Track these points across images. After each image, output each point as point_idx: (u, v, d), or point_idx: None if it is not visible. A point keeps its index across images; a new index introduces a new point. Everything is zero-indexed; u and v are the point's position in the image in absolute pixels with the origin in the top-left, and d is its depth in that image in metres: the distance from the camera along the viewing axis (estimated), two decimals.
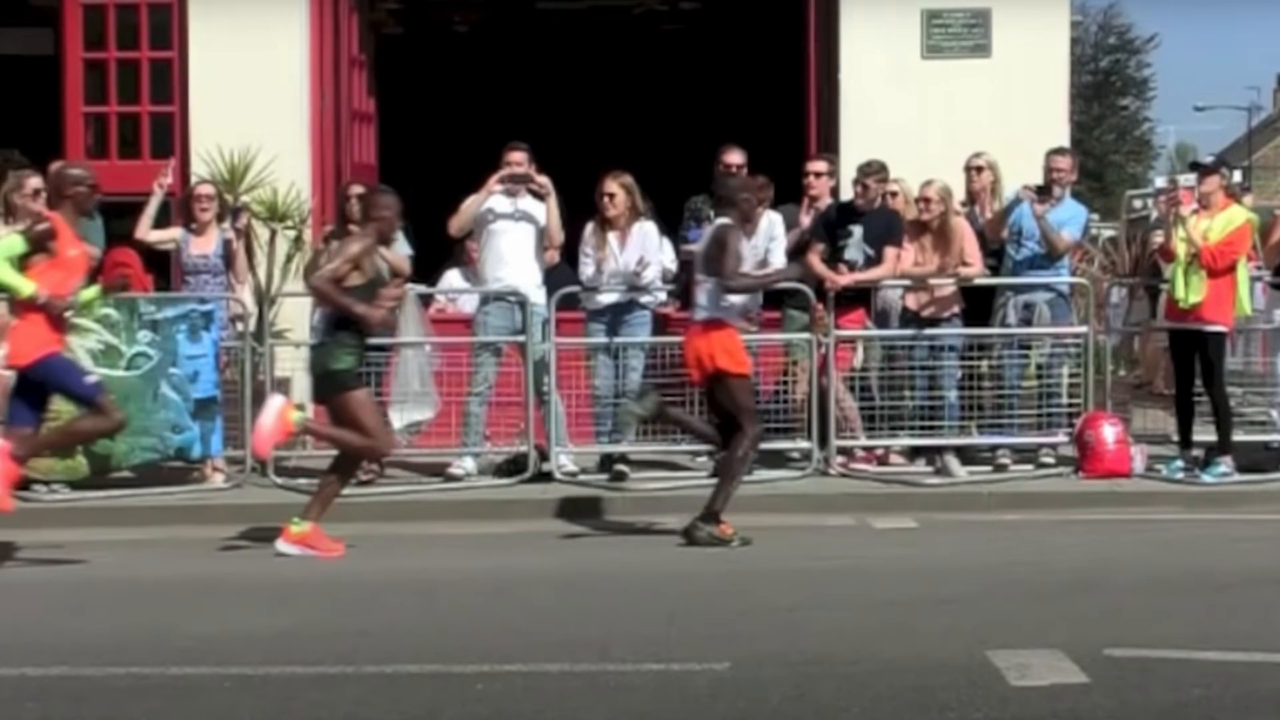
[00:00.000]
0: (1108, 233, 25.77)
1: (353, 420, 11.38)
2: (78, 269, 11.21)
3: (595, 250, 13.84)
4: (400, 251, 14.10)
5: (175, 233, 14.18)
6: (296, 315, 14.39)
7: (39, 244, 11.00)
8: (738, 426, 11.70)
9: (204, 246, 14.00)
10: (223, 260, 14.04)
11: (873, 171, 13.98)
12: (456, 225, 14.05)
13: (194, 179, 14.94)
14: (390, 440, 12.07)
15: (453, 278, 15.43)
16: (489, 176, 13.90)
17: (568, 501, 13.16)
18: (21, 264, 10.99)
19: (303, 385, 14.53)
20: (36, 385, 11.11)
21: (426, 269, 15.57)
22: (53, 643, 8.55)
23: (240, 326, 14.09)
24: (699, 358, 11.68)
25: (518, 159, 13.90)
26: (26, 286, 10.97)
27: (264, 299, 14.44)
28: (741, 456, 11.74)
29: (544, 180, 13.82)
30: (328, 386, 11.41)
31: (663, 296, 14.44)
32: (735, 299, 11.82)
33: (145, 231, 14.12)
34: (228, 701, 7.39)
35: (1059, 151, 14.40)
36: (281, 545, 11.35)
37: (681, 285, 12.91)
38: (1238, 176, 19.54)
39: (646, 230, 13.99)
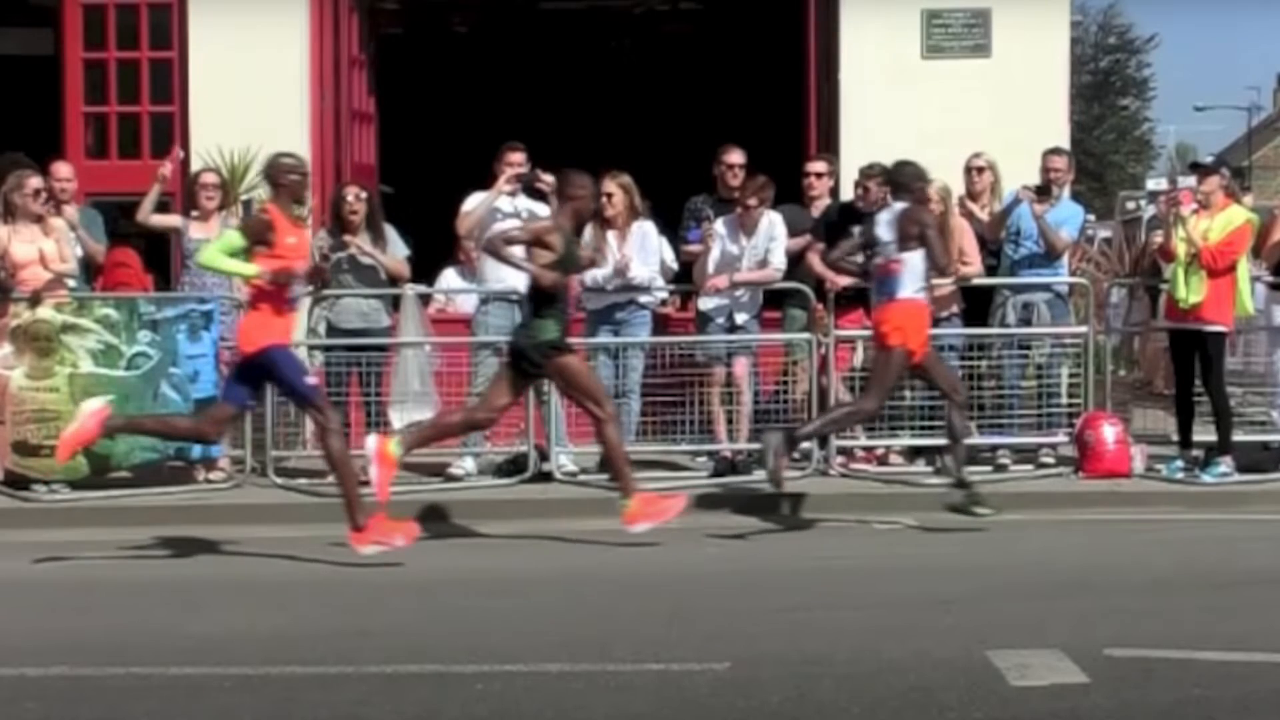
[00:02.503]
0: (1103, 233, 25.82)
1: (575, 383, 11.73)
2: (297, 256, 11.21)
3: (595, 251, 13.84)
4: (398, 253, 14.11)
5: (176, 219, 14.17)
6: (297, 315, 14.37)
7: (258, 236, 11.06)
8: (865, 393, 12.29)
9: (206, 232, 13.96)
10: None
11: (874, 174, 13.98)
12: (467, 226, 14.04)
13: (180, 153, 14.91)
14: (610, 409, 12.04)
15: (450, 277, 15.43)
16: (494, 177, 13.91)
17: (568, 501, 13.15)
18: (242, 257, 11.13)
19: None
20: (255, 372, 11.16)
21: (426, 269, 15.58)
22: (53, 643, 8.55)
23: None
24: (890, 331, 12.02)
25: (520, 159, 13.92)
26: (249, 268, 11.06)
27: None
28: (840, 418, 12.47)
29: (549, 178, 13.83)
30: (542, 353, 11.57)
31: (663, 296, 14.46)
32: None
33: (146, 215, 14.11)
34: (228, 701, 7.39)
35: (1055, 151, 14.41)
36: (628, 529, 11.45)
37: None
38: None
39: (645, 230, 14.01)
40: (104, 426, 11.23)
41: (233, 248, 11.12)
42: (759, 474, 13.32)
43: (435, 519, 12.65)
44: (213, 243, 11.49)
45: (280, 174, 11.43)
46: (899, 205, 12.31)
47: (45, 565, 11.30)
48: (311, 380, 11.34)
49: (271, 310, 11.05)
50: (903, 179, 12.46)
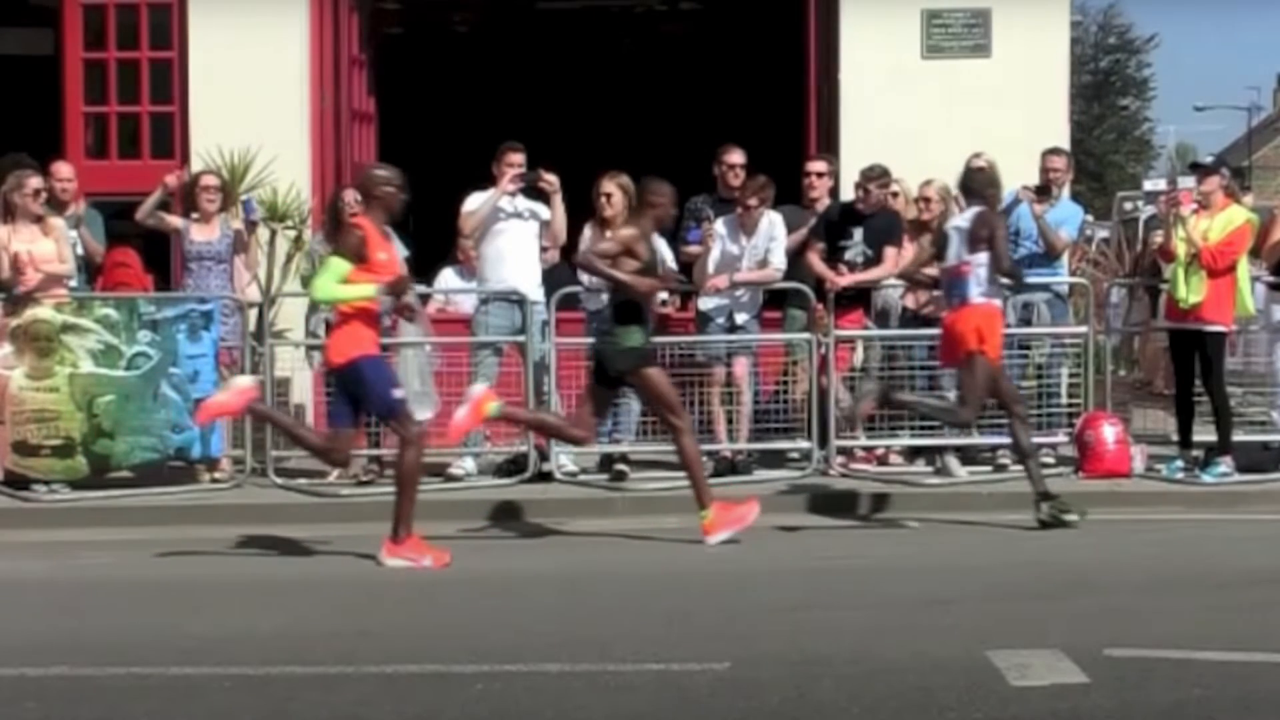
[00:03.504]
0: (1101, 233, 25.84)
1: (655, 393, 11.78)
2: (389, 271, 11.15)
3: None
4: (396, 254, 14.08)
5: (176, 221, 14.17)
6: (296, 315, 14.40)
7: (358, 254, 10.96)
8: (962, 401, 12.31)
9: (207, 234, 13.98)
10: (228, 249, 14.01)
11: (875, 176, 13.98)
12: (470, 226, 14.03)
13: (189, 171, 14.92)
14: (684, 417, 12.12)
15: (448, 277, 15.42)
16: (494, 177, 13.91)
17: (568, 501, 13.16)
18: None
19: (302, 384, 14.62)
20: (348, 385, 11.14)
21: (426, 268, 15.58)
22: (53, 643, 8.55)
23: (252, 316, 14.03)
24: (965, 334, 12.07)
25: (520, 160, 13.92)
26: (367, 289, 11.03)
27: (264, 299, 14.44)
28: (936, 409, 12.56)
29: (552, 178, 13.85)
30: (626, 361, 11.65)
31: (663, 296, 14.44)
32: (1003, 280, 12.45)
33: (146, 215, 14.09)
34: (228, 701, 7.39)
35: (1054, 151, 14.41)
36: (708, 540, 11.48)
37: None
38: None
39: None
40: (248, 407, 11.27)
41: (343, 274, 10.96)
42: (759, 474, 13.33)
43: (435, 519, 12.63)
44: (322, 276, 11.17)
45: (375, 186, 11.26)
46: (972, 210, 12.42)
47: (47, 565, 11.30)
48: (399, 393, 11.20)
49: (361, 323, 11.01)
50: (975, 185, 12.61)
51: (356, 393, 11.12)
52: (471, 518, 12.65)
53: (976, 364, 12.12)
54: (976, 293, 12.19)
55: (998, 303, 12.37)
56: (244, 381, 11.68)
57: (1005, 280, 12.54)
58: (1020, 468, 13.55)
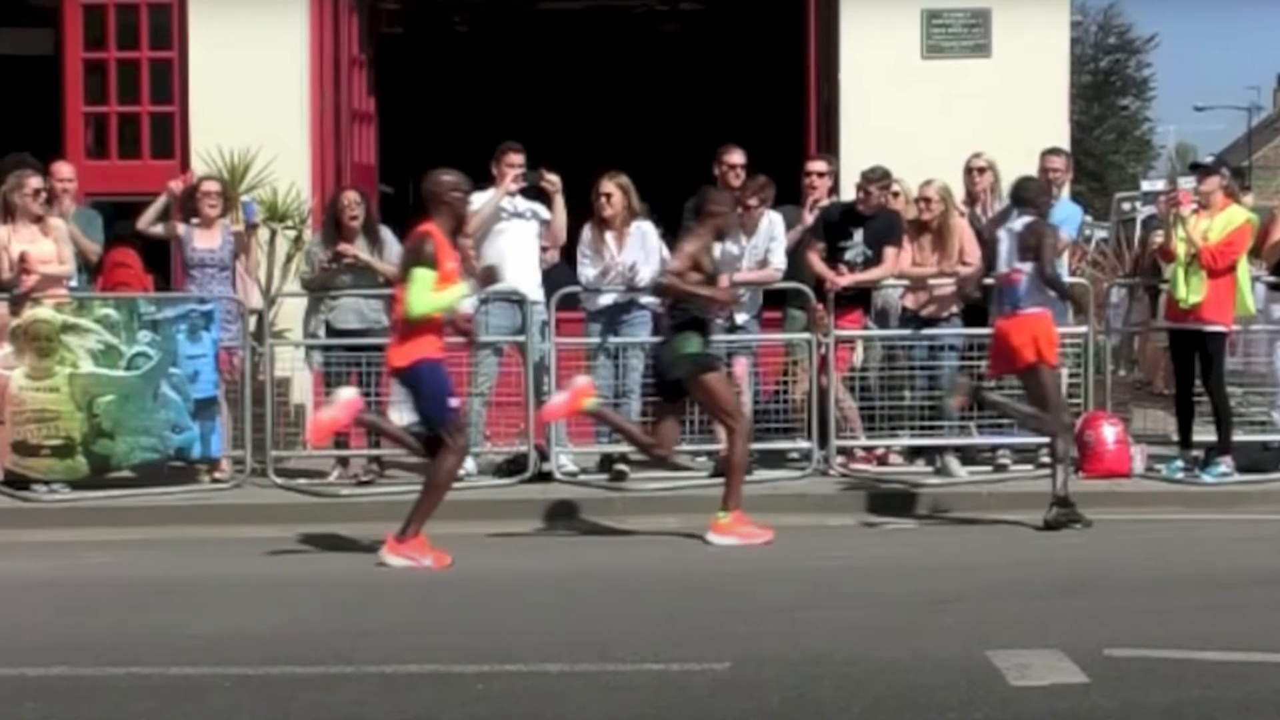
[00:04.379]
0: (1099, 234, 25.85)
1: (713, 399, 11.79)
2: (454, 278, 11.13)
3: (593, 251, 13.86)
4: (394, 256, 14.07)
5: (177, 228, 14.15)
6: (296, 315, 14.40)
7: (434, 262, 10.89)
8: (1044, 409, 12.28)
9: (209, 241, 13.97)
10: (230, 255, 14.01)
11: (876, 178, 13.98)
12: (474, 225, 14.01)
13: (195, 175, 14.92)
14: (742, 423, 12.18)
15: None
16: (493, 177, 13.91)
17: (568, 501, 13.16)
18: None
19: (302, 384, 14.62)
20: (410, 387, 11.15)
21: None
22: (53, 643, 8.55)
23: (253, 321, 14.03)
24: (1022, 346, 12.10)
25: (520, 160, 13.92)
26: (460, 289, 11.13)
27: (264, 299, 14.43)
28: (1027, 415, 12.50)
29: (554, 178, 13.85)
30: (683, 368, 11.69)
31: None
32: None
33: (148, 224, 14.08)
34: (228, 701, 7.39)
35: (1053, 152, 14.40)
36: (712, 538, 11.52)
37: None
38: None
39: (644, 230, 14.01)
40: (356, 418, 11.26)
41: (432, 283, 10.87)
42: (759, 474, 13.32)
43: (435, 519, 12.63)
44: (413, 291, 10.89)
45: (444, 192, 11.15)
46: (1023, 219, 12.47)
47: (45, 565, 11.30)
48: (454, 402, 11.16)
49: (425, 327, 10.98)
50: (1027, 194, 12.70)
51: (414, 395, 11.12)
52: (471, 518, 12.64)
53: (1041, 374, 12.22)
54: (1028, 301, 12.24)
55: (1049, 309, 12.39)
56: (348, 394, 11.63)
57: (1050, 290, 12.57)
58: (1026, 467, 13.61)
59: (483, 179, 14.04)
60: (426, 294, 10.86)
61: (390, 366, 11.32)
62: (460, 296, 11.22)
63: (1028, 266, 12.31)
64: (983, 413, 13.95)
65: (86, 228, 14.21)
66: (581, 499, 13.24)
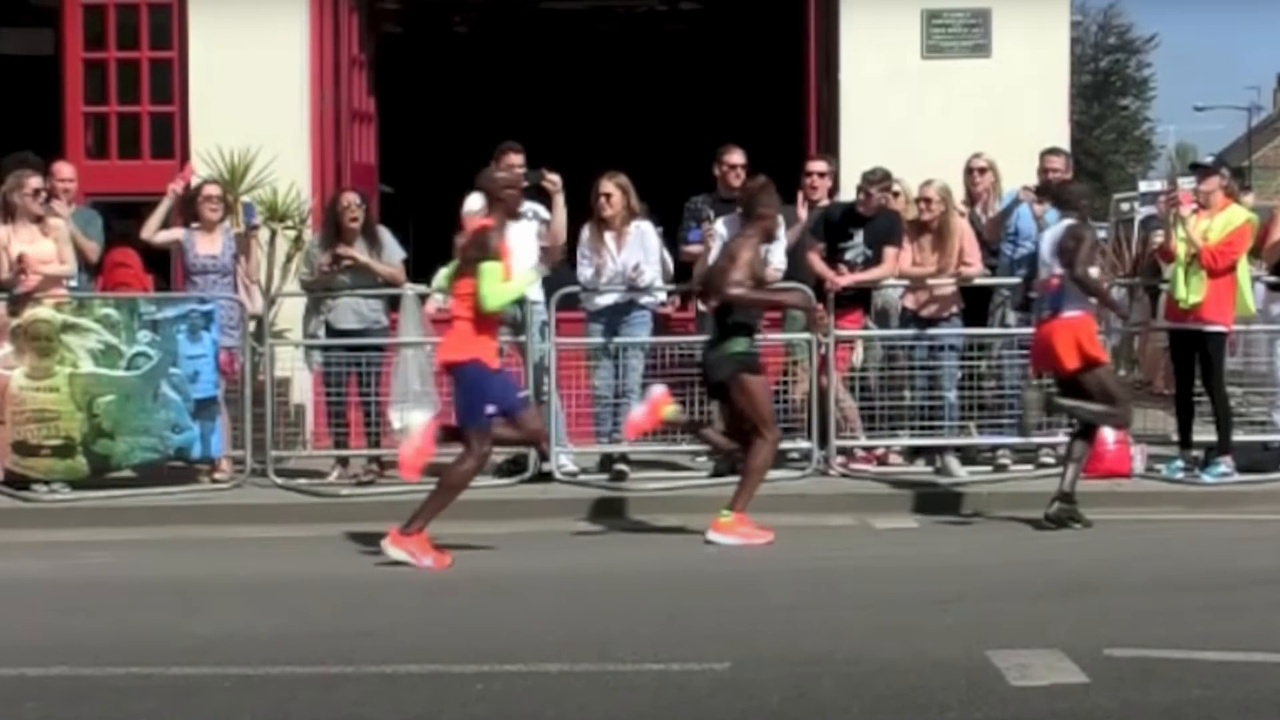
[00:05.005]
0: (1098, 234, 25.84)
1: (750, 403, 11.75)
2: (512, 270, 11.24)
3: (593, 251, 13.86)
4: (394, 257, 14.09)
5: (178, 233, 14.14)
6: (296, 315, 14.39)
7: (498, 255, 10.98)
8: (1111, 403, 12.25)
9: (211, 247, 13.96)
10: (231, 259, 14.01)
11: (876, 180, 13.97)
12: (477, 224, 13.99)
13: (194, 180, 14.92)
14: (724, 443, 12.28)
15: (445, 276, 15.43)
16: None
17: (568, 501, 13.16)
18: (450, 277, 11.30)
19: (302, 385, 14.62)
20: (454, 382, 11.19)
21: (425, 268, 15.58)
22: (53, 643, 8.55)
23: (253, 323, 14.03)
24: (1065, 353, 12.09)
25: (520, 160, 13.91)
26: (524, 279, 11.39)
27: (264, 299, 14.43)
28: (1098, 413, 12.29)
29: (555, 178, 13.84)
30: (728, 368, 11.74)
31: (662, 297, 14.44)
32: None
33: (153, 233, 14.07)
34: (228, 701, 7.39)
35: (1053, 152, 14.40)
36: (712, 535, 11.51)
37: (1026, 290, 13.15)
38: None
39: (644, 230, 14.01)
40: (435, 438, 11.21)
41: (501, 275, 10.96)
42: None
43: (436, 519, 12.63)
44: (485, 285, 10.92)
45: (498, 189, 11.26)
46: (1063, 223, 12.47)
47: (45, 565, 11.30)
48: (491, 409, 11.17)
49: (475, 328, 10.99)
50: (1068, 197, 12.73)
51: (455, 390, 11.16)
52: (472, 518, 12.62)
53: (1096, 374, 12.21)
54: (1069, 304, 12.21)
55: (1089, 311, 12.36)
56: (420, 418, 11.74)
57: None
58: (1026, 467, 13.62)
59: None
60: (498, 285, 10.94)
61: (441, 359, 11.33)
62: (529, 283, 11.53)
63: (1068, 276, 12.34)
64: (983, 413, 13.98)
65: (86, 228, 14.21)
66: (581, 499, 13.23)
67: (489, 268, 10.89)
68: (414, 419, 12.68)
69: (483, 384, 11.03)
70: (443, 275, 11.90)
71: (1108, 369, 12.50)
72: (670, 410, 11.91)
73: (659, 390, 12.08)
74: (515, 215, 11.50)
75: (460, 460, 11.18)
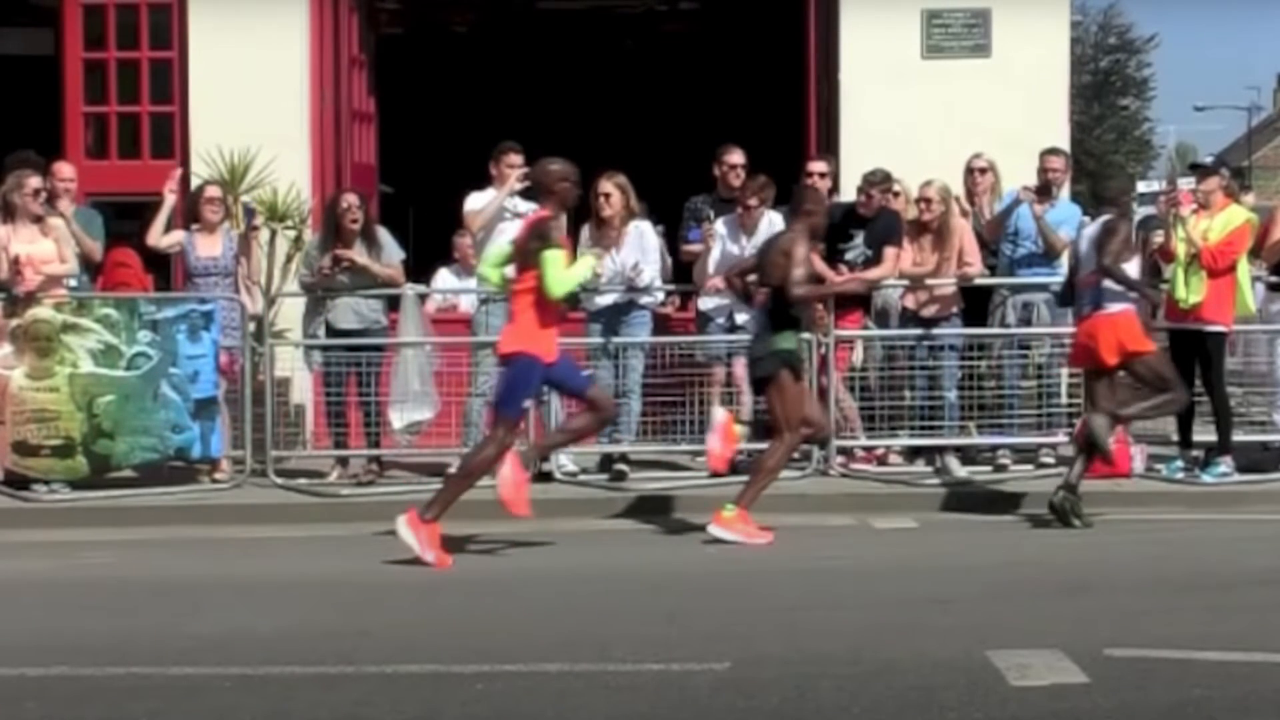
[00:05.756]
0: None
1: (784, 402, 11.78)
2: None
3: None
4: (393, 257, 14.08)
5: (179, 235, 14.14)
6: (296, 315, 14.39)
7: (559, 244, 11.12)
8: (1163, 390, 12.44)
9: (212, 248, 13.96)
10: (233, 260, 14.01)
11: (877, 181, 13.98)
12: (479, 224, 14.00)
13: (194, 180, 14.92)
14: (821, 424, 12.38)
15: (444, 277, 15.46)
16: (495, 177, 13.91)
17: (568, 501, 13.16)
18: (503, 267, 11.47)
19: (302, 385, 14.62)
20: (562, 369, 11.25)
21: (425, 267, 15.59)
22: (53, 643, 8.55)
23: (252, 326, 14.03)
24: (1108, 351, 12.22)
25: (520, 160, 13.92)
26: (585, 265, 11.56)
27: (264, 300, 14.43)
28: (1160, 404, 12.58)
29: None
30: (772, 364, 11.76)
31: (661, 297, 14.45)
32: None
33: (157, 238, 14.08)
34: (228, 701, 7.39)
35: (1052, 152, 14.40)
36: (712, 528, 11.54)
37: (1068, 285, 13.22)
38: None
39: (643, 230, 14.02)
40: (523, 462, 11.19)
41: (563, 262, 11.05)
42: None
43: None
44: (550, 272, 10.96)
45: (553, 181, 11.30)
46: (1102, 218, 12.51)
47: (45, 565, 11.30)
48: (527, 404, 11.34)
49: (537, 321, 11.03)
50: (1109, 193, 13.02)
51: (501, 376, 11.25)
52: (472, 518, 12.62)
53: (1146, 363, 12.32)
54: (1110, 300, 12.26)
55: (1131, 306, 12.40)
56: (719, 416, 11.95)
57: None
58: (1026, 467, 13.63)
59: (483, 179, 14.06)
60: (562, 272, 11.02)
61: (500, 351, 11.35)
62: (589, 269, 11.67)
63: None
64: (983, 413, 13.98)
65: (87, 227, 14.22)
66: (581, 499, 13.24)
67: (552, 255, 10.96)
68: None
69: (530, 379, 11.09)
70: (488, 263, 11.97)
71: (1157, 355, 12.56)
72: (741, 429, 12.10)
73: (721, 415, 12.11)
74: (568, 207, 11.56)
75: (482, 446, 11.28)
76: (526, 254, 11.12)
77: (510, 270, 11.53)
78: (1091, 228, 12.64)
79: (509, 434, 11.24)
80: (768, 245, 12.29)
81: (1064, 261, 14.71)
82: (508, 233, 13.91)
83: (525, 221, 11.38)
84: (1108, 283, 12.25)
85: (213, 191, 14.21)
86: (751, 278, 12.32)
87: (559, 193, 11.25)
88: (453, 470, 11.91)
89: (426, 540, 10.87)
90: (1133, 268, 12.51)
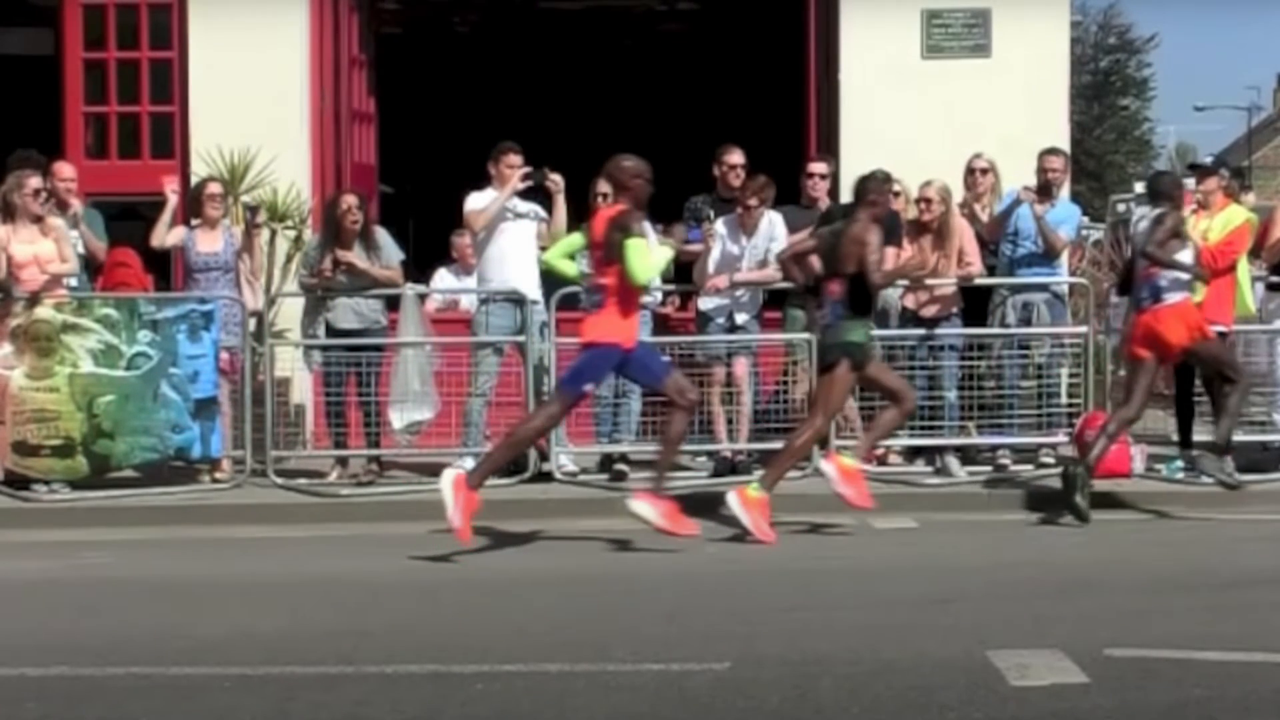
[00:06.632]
0: (1094, 235, 25.87)
1: (831, 393, 12.04)
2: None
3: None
4: (392, 258, 14.08)
5: (180, 232, 14.16)
6: (296, 315, 14.39)
7: (642, 235, 11.33)
8: (1229, 380, 12.80)
9: (212, 244, 13.98)
10: (233, 256, 14.01)
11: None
12: (482, 224, 13.99)
13: (194, 178, 14.93)
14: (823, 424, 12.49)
15: (443, 277, 15.46)
16: (495, 177, 13.90)
17: (568, 501, 13.15)
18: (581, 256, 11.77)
19: (302, 385, 14.62)
20: (640, 356, 11.50)
21: (425, 267, 15.59)
22: (53, 643, 8.55)
23: (253, 321, 14.03)
24: (1176, 339, 12.47)
25: (520, 160, 13.92)
26: (665, 253, 11.98)
27: (265, 299, 14.43)
28: (1235, 406, 12.85)
29: (557, 178, 13.85)
30: (834, 354, 11.99)
31: (661, 297, 14.44)
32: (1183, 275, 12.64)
33: (161, 239, 14.10)
34: (228, 701, 7.39)
35: (1051, 152, 14.40)
36: (731, 500, 11.68)
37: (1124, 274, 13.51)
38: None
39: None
40: (469, 483, 11.17)
41: (646, 250, 11.35)
42: (760, 474, 13.31)
43: (436, 518, 12.63)
44: (633, 260, 11.18)
45: (627, 178, 11.45)
46: (1157, 211, 12.61)
47: (45, 565, 11.30)
48: (588, 387, 11.57)
49: (619, 311, 11.24)
50: (1162, 187, 12.94)
51: (578, 356, 11.50)
52: (471, 518, 12.63)
53: (1209, 349, 12.64)
54: (1171, 291, 12.46)
55: (1189, 295, 12.61)
56: (829, 470, 12.12)
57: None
58: (1026, 467, 13.66)
59: (483, 179, 14.05)
60: (645, 259, 11.27)
61: (584, 340, 11.51)
62: (669, 258, 12.10)
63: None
64: (983, 413, 13.98)
65: (90, 227, 14.23)
66: (581, 499, 13.23)
67: (635, 243, 11.21)
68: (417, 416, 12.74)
69: (604, 365, 11.39)
70: (558, 254, 12.13)
71: (1217, 342, 12.84)
72: (850, 459, 12.18)
73: (827, 468, 12.21)
74: (643, 204, 11.64)
75: (534, 415, 11.63)
76: (609, 246, 11.28)
77: (584, 263, 11.72)
78: (1146, 221, 12.73)
79: (561, 411, 11.60)
80: (834, 236, 12.36)
81: (1064, 261, 14.81)
82: (507, 233, 13.95)
83: (602, 216, 11.47)
84: (1165, 275, 12.42)
85: (214, 188, 14.22)
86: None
87: (634, 189, 11.42)
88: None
89: (462, 506, 10.95)
90: (1186, 256, 12.64)
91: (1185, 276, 12.56)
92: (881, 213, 12.29)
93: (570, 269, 12.07)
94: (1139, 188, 27.05)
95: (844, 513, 12.78)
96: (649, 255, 11.40)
